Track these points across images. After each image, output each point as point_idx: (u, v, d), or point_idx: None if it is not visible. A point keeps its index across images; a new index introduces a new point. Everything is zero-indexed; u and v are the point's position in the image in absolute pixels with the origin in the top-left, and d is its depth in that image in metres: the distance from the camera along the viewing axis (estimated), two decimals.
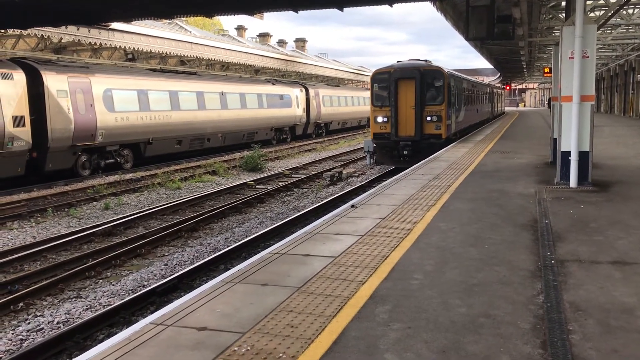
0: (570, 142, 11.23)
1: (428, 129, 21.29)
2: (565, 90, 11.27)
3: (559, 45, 12.36)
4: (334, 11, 20.77)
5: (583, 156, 11.25)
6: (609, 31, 32.68)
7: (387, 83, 21.60)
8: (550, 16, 24.52)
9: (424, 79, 21.25)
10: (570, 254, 6.66)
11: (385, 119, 21.64)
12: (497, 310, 4.91)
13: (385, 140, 21.89)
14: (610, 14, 17.45)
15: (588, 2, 16.95)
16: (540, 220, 8.39)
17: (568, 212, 8.97)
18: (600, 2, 21.55)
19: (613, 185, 11.49)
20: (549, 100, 67.58)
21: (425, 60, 23.02)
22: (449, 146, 21.27)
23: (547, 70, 30.13)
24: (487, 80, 61.54)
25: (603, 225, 8.07)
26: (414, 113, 21.22)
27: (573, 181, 11.24)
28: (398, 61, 23.06)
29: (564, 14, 18.50)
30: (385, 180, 14.80)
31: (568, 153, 11.29)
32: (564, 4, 18.15)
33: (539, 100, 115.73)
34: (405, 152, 21.38)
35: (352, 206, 9.72)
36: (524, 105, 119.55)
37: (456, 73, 26.26)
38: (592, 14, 22.65)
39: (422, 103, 21.24)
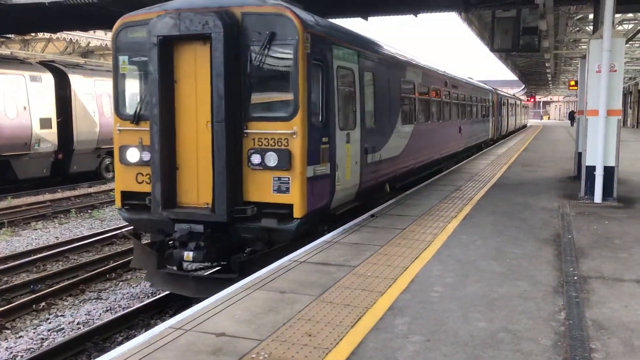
0: (595, 157, 11.07)
1: (256, 189, 7.91)
2: (592, 104, 11.13)
3: (585, 58, 12.24)
4: (358, 20, 20.13)
5: (608, 171, 11.09)
6: (638, 45, 32.27)
7: (148, 54, 8.00)
8: (577, 29, 24.29)
9: (242, 40, 7.85)
10: (593, 270, 6.56)
11: (146, 156, 8.22)
12: (518, 325, 4.85)
13: (143, 215, 8.43)
14: (639, 27, 17.24)
15: (616, 16, 16.76)
16: (563, 235, 8.28)
17: (592, 228, 8.84)
18: (628, 15, 21.31)
19: (639, 202, 11.29)
20: (571, 113, 66.41)
21: None
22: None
23: (572, 83, 29.84)
24: (511, 92, 58.95)
25: (628, 242, 7.93)
26: (215, 141, 7.73)
27: (597, 196, 11.07)
28: None
29: (591, 27, 18.34)
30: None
31: (593, 168, 11.13)
32: (591, 16, 17.99)
33: (563, 113, 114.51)
34: (191, 254, 7.77)
35: (372, 216, 9.69)
36: (548, 118, 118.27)
37: (364, 36, 11.12)
38: (620, 27, 22.40)
39: (233, 111, 7.78)
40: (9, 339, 7.68)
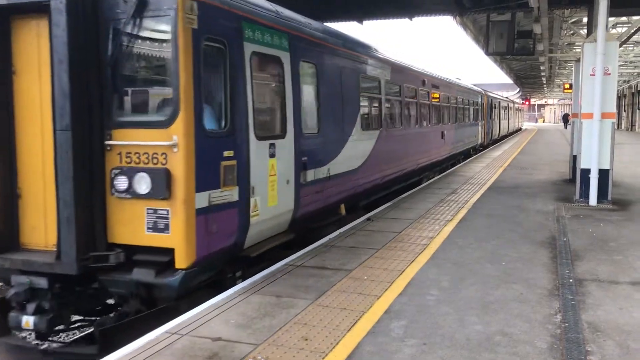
0: (590, 160, 11.11)
1: (124, 226, 5.68)
2: (586, 107, 11.17)
3: (579, 61, 12.30)
4: (354, 25, 20.02)
5: (603, 174, 11.13)
6: (631, 48, 32.44)
7: None
8: (572, 32, 24.40)
9: (100, 11, 5.62)
10: (588, 273, 6.57)
11: None
12: (514, 328, 4.85)
13: None
14: (632, 31, 17.33)
15: (610, 19, 16.86)
16: (559, 238, 8.29)
17: (587, 231, 8.86)
18: (622, 18, 21.42)
19: (633, 204, 11.33)
20: (565, 116, 66.26)
21: None
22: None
23: (567, 86, 29.95)
24: (506, 95, 58.78)
25: (623, 244, 7.95)
26: (58, 158, 5.48)
27: (592, 199, 11.11)
28: None
29: (585, 30, 18.45)
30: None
31: (588, 170, 11.17)
32: (585, 19, 18.09)
33: (558, 116, 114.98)
34: (31, 319, 5.56)
35: (369, 219, 9.70)
36: (543, 121, 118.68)
37: (302, 17, 8.59)
38: (614, 31, 22.51)
39: (88, 114, 5.58)
40: None
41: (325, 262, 6.98)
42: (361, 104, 10.42)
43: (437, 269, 6.63)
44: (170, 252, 5.48)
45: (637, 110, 52.24)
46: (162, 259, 5.50)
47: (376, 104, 11.56)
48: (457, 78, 23.95)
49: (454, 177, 16.23)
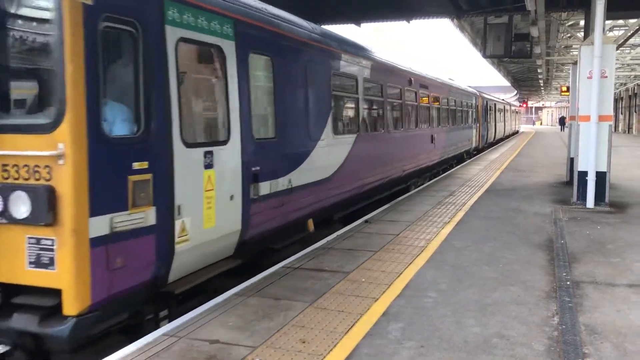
0: (587, 162, 11.14)
1: (1, 259, 4.53)
2: (583, 110, 11.20)
3: (577, 64, 12.34)
4: (352, 27, 19.95)
5: (600, 176, 11.15)
6: (628, 51, 32.55)
7: None
8: (569, 35, 24.48)
9: None
10: (586, 275, 6.58)
11: None
12: (511, 330, 4.86)
13: None
14: (629, 34, 17.39)
15: (607, 22, 16.91)
16: (556, 241, 8.31)
17: (584, 233, 8.88)
18: (619, 21, 21.50)
19: (630, 207, 11.35)
20: (561, 119, 66.24)
21: None
22: None
23: (564, 89, 30.01)
24: (504, 97, 58.63)
25: (620, 247, 7.97)
26: None
27: (590, 201, 11.13)
28: None
29: (582, 33, 18.51)
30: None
31: (585, 173, 11.19)
32: (582, 22, 18.14)
33: (556, 119, 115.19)
34: None
35: (366, 222, 9.70)
36: (541, 124, 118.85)
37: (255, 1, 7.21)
38: (610, 34, 22.58)
39: None
40: None
41: (323, 264, 6.98)
42: (333, 105, 9.22)
43: (435, 271, 6.64)
44: (58, 293, 4.35)
45: (634, 113, 52.39)
46: (48, 302, 4.37)
47: (352, 105, 10.40)
48: (450, 78, 23.23)
49: (451, 179, 16.25)
